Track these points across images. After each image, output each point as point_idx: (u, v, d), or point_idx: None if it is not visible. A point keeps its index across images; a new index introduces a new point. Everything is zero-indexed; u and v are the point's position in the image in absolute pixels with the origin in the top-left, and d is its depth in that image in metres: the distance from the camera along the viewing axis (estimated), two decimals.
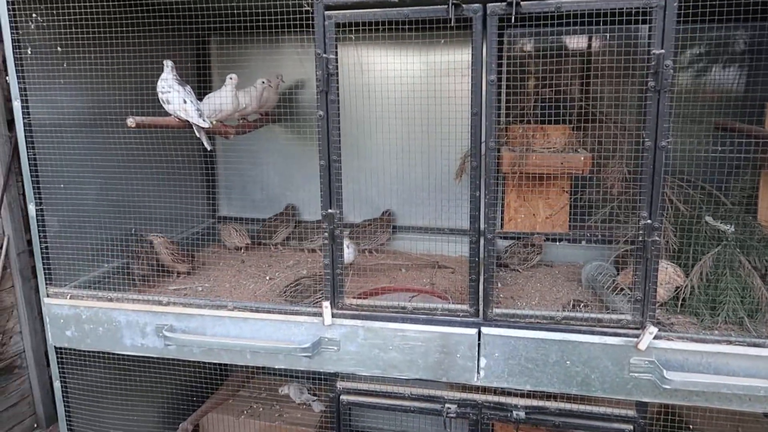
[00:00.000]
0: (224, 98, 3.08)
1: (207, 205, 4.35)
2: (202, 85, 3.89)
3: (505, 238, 4.04)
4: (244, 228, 3.99)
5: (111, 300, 2.80)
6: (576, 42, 3.76)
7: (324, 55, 2.35)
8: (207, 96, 3.15)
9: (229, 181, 4.31)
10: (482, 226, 2.39)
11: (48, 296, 2.87)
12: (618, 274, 3.19)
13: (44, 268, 2.85)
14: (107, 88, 2.91)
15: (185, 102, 2.76)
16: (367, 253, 4.02)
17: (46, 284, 2.87)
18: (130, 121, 2.57)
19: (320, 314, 2.57)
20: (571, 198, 3.94)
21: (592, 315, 2.37)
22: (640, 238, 2.25)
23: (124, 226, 3.25)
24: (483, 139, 2.33)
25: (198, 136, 2.83)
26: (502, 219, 4.17)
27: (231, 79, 3.10)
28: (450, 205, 3.93)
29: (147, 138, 3.07)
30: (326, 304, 2.56)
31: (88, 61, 2.75)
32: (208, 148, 2.85)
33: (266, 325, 2.64)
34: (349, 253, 3.49)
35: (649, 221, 2.22)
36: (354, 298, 3.06)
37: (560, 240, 3.95)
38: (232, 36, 3.99)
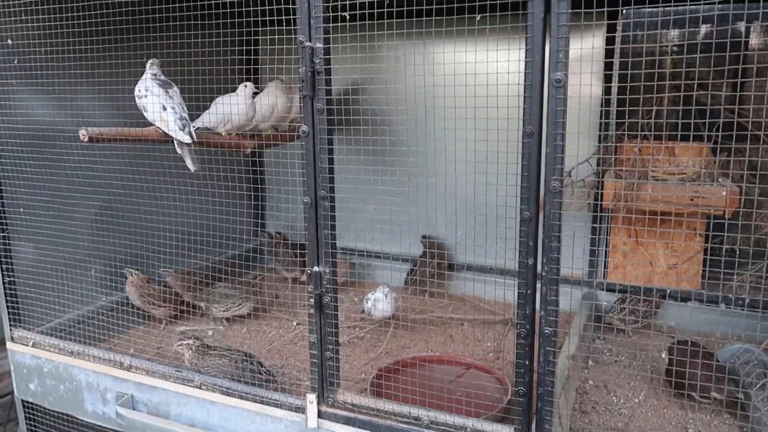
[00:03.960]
0: (236, 105, 2.44)
1: (252, 221, 3.78)
2: None
3: (610, 290, 3.03)
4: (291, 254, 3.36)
5: (72, 354, 2.26)
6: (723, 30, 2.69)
7: (307, 44, 1.60)
8: (214, 101, 2.53)
9: (277, 195, 3.68)
10: (540, 306, 1.51)
11: (12, 340, 2.39)
12: None
13: (8, 307, 2.38)
14: (91, 90, 2.37)
15: (164, 109, 2.14)
16: (421, 298, 3.21)
17: (11, 326, 2.40)
18: (82, 134, 1.99)
19: (304, 409, 1.82)
20: (706, 244, 2.85)
21: None
22: None
23: (128, 256, 2.72)
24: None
25: (179, 152, 2.20)
26: (605, 265, 3.16)
27: (246, 87, 2.48)
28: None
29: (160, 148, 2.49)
30: (311, 398, 1.80)
31: (58, 56, 2.22)
32: (192, 169, 2.21)
33: (237, 414, 1.94)
34: (386, 303, 2.72)
35: None
36: (380, 371, 2.29)
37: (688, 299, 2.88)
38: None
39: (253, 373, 2.06)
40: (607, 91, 2.96)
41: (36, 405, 2.44)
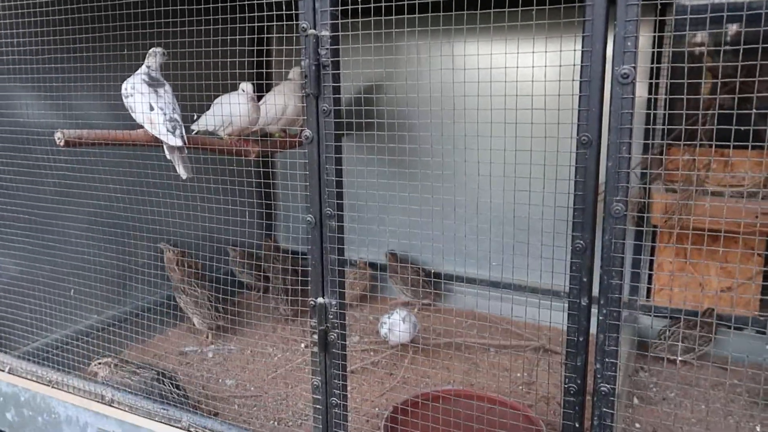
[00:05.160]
0: (237, 105, 2.18)
1: (259, 232, 3.53)
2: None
3: (655, 314, 2.72)
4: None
5: (50, 383, 2.02)
6: None
7: (311, 31, 1.33)
8: (215, 101, 2.27)
9: (287, 205, 3.45)
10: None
11: None
12: None
13: None
14: (80, 87, 2.13)
15: (152, 109, 1.88)
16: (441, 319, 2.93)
17: None
18: (58, 137, 1.74)
19: None
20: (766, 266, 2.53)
21: None
22: None
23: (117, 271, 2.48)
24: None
25: (169, 157, 1.94)
26: (648, 286, 2.83)
27: (244, 90, 2.23)
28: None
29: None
30: None
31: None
32: (184, 177, 1.95)
33: None
34: (404, 328, 2.44)
35: None
36: (395, 409, 2.01)
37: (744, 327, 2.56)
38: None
39: (164, 393, 1.90)
40: (654, 90, 2.65)
41: None
